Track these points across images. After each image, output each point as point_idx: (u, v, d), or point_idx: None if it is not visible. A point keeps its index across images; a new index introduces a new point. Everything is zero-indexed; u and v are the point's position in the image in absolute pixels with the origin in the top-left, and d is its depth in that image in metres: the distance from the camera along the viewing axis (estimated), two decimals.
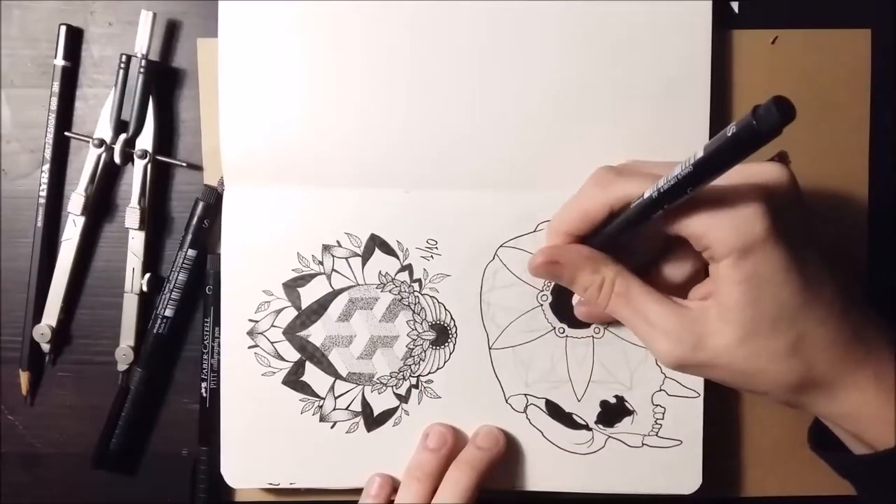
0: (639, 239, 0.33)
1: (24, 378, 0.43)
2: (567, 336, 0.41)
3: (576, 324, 0.40)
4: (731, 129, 0.26)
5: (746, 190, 0.30)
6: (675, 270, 0.36)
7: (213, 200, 0.41)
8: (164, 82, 0.42)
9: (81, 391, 0.44)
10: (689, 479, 0.40)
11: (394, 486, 0.40)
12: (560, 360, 0.41)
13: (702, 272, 0.33)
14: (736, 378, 0.33)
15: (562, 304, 0.40)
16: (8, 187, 0.43)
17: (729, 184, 0.30)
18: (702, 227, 0.31)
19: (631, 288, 0.34)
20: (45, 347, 0.43)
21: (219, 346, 0.41)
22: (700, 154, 0.28)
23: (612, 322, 0.39)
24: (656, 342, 0.33)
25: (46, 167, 0.42)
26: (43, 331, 0.42)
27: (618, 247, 0.34)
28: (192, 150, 0.43)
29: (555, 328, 0.41)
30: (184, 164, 0.42)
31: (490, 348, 0.41)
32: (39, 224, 0.42)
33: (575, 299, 0.39)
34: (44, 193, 0.42)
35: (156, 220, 0.43)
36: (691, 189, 0.29)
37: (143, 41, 0.41)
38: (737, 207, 0.30)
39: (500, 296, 0.40)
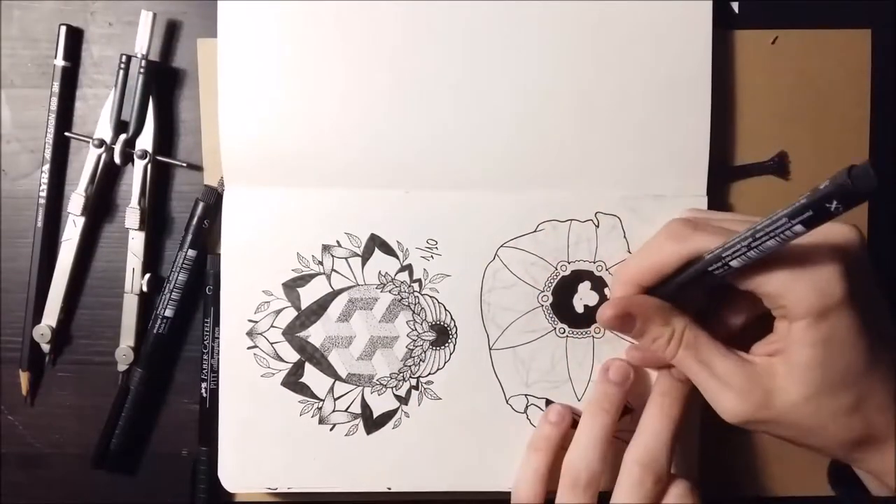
0: (705, 290, 0.33)
1: (24, 378, 0.43)
2: (567, 336, 0.41)
3: (576, 323, 0.40)
4: (822, 190, 0.26)
5: (823, 251, 0.30)
6: (733, 320, 0.36)
7: (213, 200, 0.41)
8: (164, 82, 0.42)
9: (81, 391, 0.44)
10: (686, 472, 0.40)
11: (574, 417, 0.40)
12: (560, 360, 0.41)
13: (762, 324, 0.33)
14: (797, 434, 0.33)
15: (562, 305, 0.40)
16: (8, 187, 0.43)
17: (805, 244, 0.30)
18: (780, 286, 0.31)
19: (699, 341, 0.34)
20: (46, 348, 0.43)
21: (219, 346, 0.41)
22: (784, 210, 0.28)
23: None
24: (722, 397, 0.33)
25: (46, 167, 0.42)
26: (43, 331, 0.42)
27: (683, 298, 0.34)
28: (192, 150, 0.43)
29: (555, 328, 0.41)
30: (184, 165, 0.42)
31: (490, 349, 0.41)
32: (39, 224, 0.42)
33: (576, 300, 0.39)
34: (44, 194, 0.42)
35: (156, 220, 0.43)
36: (767, 251, 0.28)
37: (143, 41, 0.41)
38: (815, 269, 0.30)
39: (501, 296, 0.40)
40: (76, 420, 0.44)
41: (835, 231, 0.31)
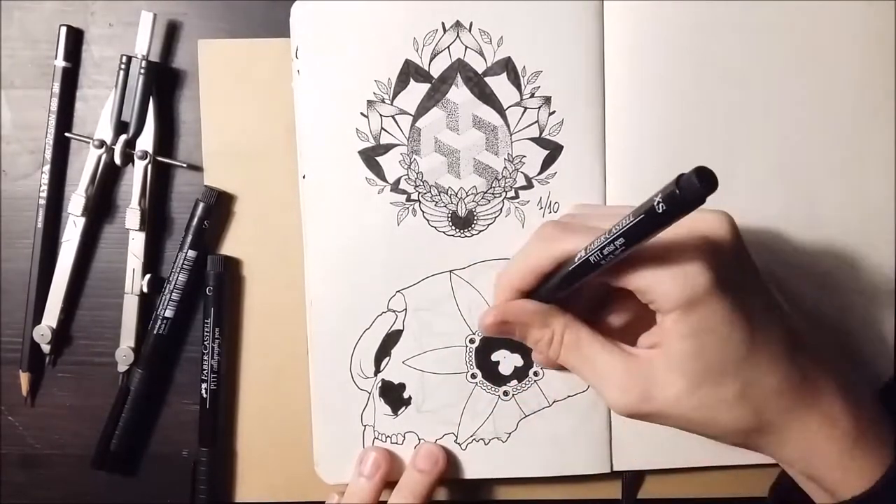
0: (587, 286, 0.33)
1: (24, 379, 0.43)
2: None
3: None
4: (656, 197, 0.26)
5: (689, 243, 0.30)
6: (623, 316, 0.36)
7: (213, 201, 0.41)
8: (164, 83, 0.42)
9: (81, 392, 0.44)
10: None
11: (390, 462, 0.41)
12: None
13: (650, 315, 0.33)
14: (685, 425, 0.33)
15: (486, 354, 0.41)
16: (8, 188, 0.43)
17: (671, 237, 0.30)
18: (645, 282, 0.31)
19: (580, 338, 0.34)
20: (46, 348, 0.43)
21: (219, 346, 0.41)
22: (629, 219, 0.28)
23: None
24: (606, 391, 0.33)
25: (47, 168, 0.42)
26: (43, 332, 0.42)
27: (567, 296, 0.34)
28: (193, 150, 0.43)
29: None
30: (184, 165, 0.42)
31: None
32: (40, 225, 0.42)
33: (499, 354, 0.40)
34: (44, 194, 0.42)
35: (156, 221, 0.43)
36: (623, 251, 0.29)
37: (143, 42, 0.41)
38: (680, 262, 0.30)
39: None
40: (76, 421, 0.44)
41: (703, 220, 0.31)
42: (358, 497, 0.40)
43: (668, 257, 0.30)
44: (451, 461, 0.41)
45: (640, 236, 0.28)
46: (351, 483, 0.41)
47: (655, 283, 0.31)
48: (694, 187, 0.25)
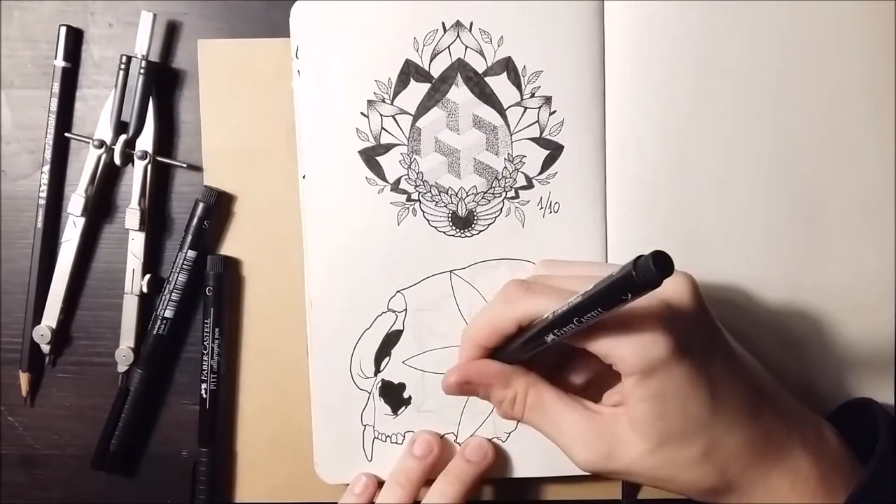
0: (550, 347, 0.33)
1: (23, 379, 0.43)
2: None
3: None
4: (615, 277, 0.27)
5: (649, 310, 0.31)
6: (588, 372, 0.36)
7: (213, 201, 0.41)
8: (164, 83, 0.42)
9: (81, 392, 0.44)
10: None
11: (378, 486, 0.41)
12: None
13: (615, 371, 0.33)
14: (651, 482, 0.33)
15: None
16: (8, 188, 0.43)
17: (633, 302, 0.30)
18: (605, 348, 0.31)
19: (544, 398, 0.34)
20: (45, 348, 0.43)
21: (219, 346, 0.41)
22: (589, 292, 0.28)
23: None
24: (571, 451, 0.34)
25: (46, 168, 0.42)
26: (43, 332, 0.42)
27: (531, 355, 0.34)
28: (192, 150, 0.43)
29: None
30: (184, 165, 0.42)
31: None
32: (39, 225, 0.42)
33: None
34: (44, 194, 0.42)
35: (156, 221, 0.43)
36: (580, 323, 0.29)
37: (143, 42, 0.41)
38: (639, 330, 0.31)
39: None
40: (76, 421, 0.44)
41: (664, 285, 0.31)
42: (405, 476, 0.40)
43: (628, 324, 0.31)
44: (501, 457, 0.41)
45: (598, 312, 0.28)
46: (400, 461, 0.40)
47: (615, 349, 0.31)
48: (650, 272, 0.25)
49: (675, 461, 0.32)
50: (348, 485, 0.41)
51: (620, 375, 0.32)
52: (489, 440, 0.41)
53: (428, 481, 0.40)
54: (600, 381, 0.36)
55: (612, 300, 0.28)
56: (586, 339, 0.32)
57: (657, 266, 0.25)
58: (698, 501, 0.34)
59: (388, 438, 0.41)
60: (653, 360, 0.31)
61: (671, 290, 0.32)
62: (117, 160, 0.41)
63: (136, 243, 0.42)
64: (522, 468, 0.42)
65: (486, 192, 0.40)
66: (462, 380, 0.35)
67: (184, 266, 0.42)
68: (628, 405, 0.32)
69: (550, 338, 0.31)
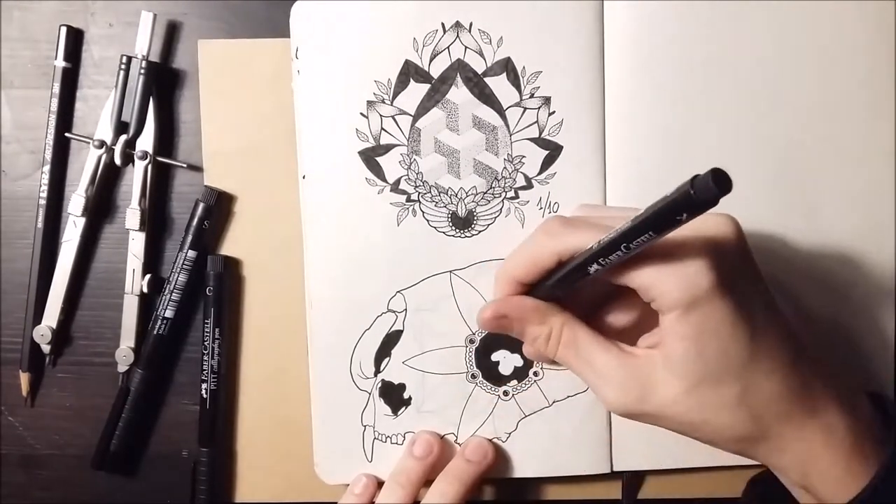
0: (588, 284, 0.33)
1: (24, 379, 0.43)
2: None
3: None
4: (671, 196, 0.26)
5: (693, 243, 0.30)
6: (624, 316, 0.36)
7: (213, 201, 0.41)
8: (164, 83, 0.42)
9: (81, 392, 0.44)
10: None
11: (378, 486, 0.41)
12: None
13: (652, 316, 0.33)
14: (682, 428, 0.33)
15: (486, 354, 0.41)
16: (8, 188, 0.43)
17: (676, 236, 0.30)
18: (648, 280, 0.31)
19: (578, 337, 0.34)
20: (46, 348, 0.43)
21: (219, 346, 0.41)
22: (640, 216, 0.28)
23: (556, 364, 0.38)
24: (603, 391, 0.33)
25: (47, 168, 0.42)
26: (43, 332, 0.42)
27: (567, 293, 0.34)
28: (193, 151, 0.43)
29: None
30: (184, 166, 0.42)
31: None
32: (40, 225, 0.42)
33: (499, 354, 0.41)
34: (44, 194, 0.42)
35: (156, 221, 0.43)
36: (628, 250, 0.29)
37: (143, 42, 0.41)
38: (683, 261, 0.30)
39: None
40: (76, 421, 0.44)
41: (708, 222, 0.31)
42: (405, 476, 0.40)
43: (671, 256, 0.30)
44: (502, 456, 0.41)
45: (649, 236, 0.28)
46: (400, 462, 0.41)
47: (657, 282, 0.30)
48: (709, 189, 0.24)
49: (709, 403, 0.31)
50: (348, 485, 0.41)
51: (657, 320, 0.32)
52: (489, 440, 0.41)
53: (428, 482, 0.40)
54: (633, 328, 0.35)
55: (666, 222, 0.27)
56: (628, 273, 0.31)
57: (717, 183, 0.24)
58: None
59: (388, 439, 0.41)
60: (696, 292, 0.30)
61: (715, 227, 0.31)
62: (118, 160, 0.41)
63: (137, 243, 0.42)
64: (522, 468, 0.42)
65: (485, 193, 0.40)
66: (498, 314, 0.35)
67: (184, 266, 0.42)
68: (665, 344, 0.31)
69: (595, 268, 0.30)
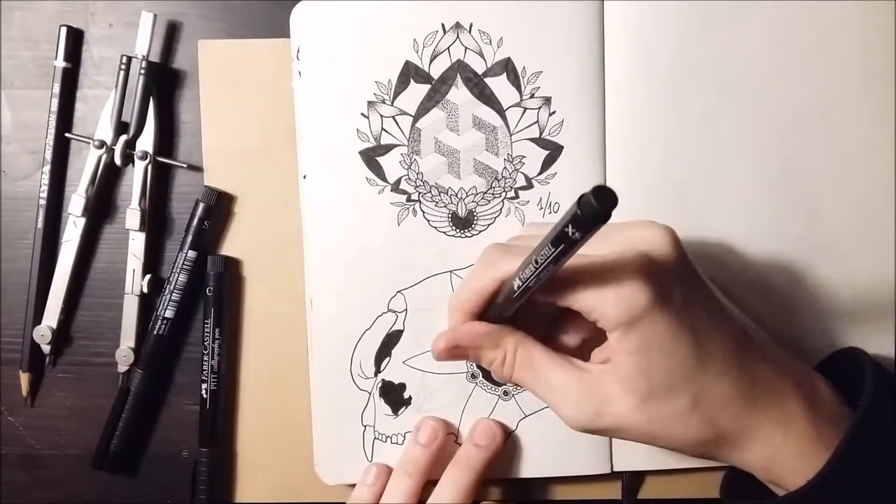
0: (537, 305, 0.33)
1: (24, 379, 0.43)
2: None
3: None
4: (565, 216, 0.26)
5: (628, 261, 0.30)
6: (578, 332, 0.36)
7: (213, 201, 0.41)
8: (164, 84, 0.42)
9: (81, 392, 0.44)
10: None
11: (388, 474, 0.41)
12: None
13: (602, 330, 0.33)
14: (643, 439, 0.33)
15: None
16: (8, 188, 0.43)
17: (610, 254, 0.30)
18: (588, 302, 0.31)
19: (533, 357, 0.34)
20: (46, 348, 0.43)
21: (219, 346, 0.41)
22: (547, 235, 0.28)
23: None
24: (561, 408, 0.33)
25: (47, 168, 0.42)
26: (43, 332, 0.42)
27: (519, 315, 0.34)
28: (193, 151, 0.43)
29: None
30: (184, 166, 0.42)
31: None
32: (40, 225, 0.42)
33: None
34: (44, 195, 0.42)
35: (156, 221, 0.43)
36: (536, 265, 0.29)
37: (143, 42, 0.41)
38: (619, 281, 0.30)
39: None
40: (76, 421, 0.44)
41: (644, 237, 0.31)
42: (413, 464, 0.40)
43: (608, 276, 0.31)
44: (510, 438, 0.41)
45: (557, 258, 0.28)
46: (406, 450, 0.41)
47: (597, 303, 0.31)
48: (592, 206, 0.25)
49: (663, 415, 0.32)
50: (348, 486, 0.41)
51: (606, 334, 0.32)
52: (497, 422, 0.41)
53: (431, 482, 0.40)
54: (586, 342, 0.36)
55: (565, 239, 0.27)
56: (570, 295, 0.31)
57: (599, 200, 0.25)
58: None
59: (389, 439, 0.41)
60: (634, 311, 0.30)
61: (651, 241, 0.31)
62: (118, 160, 0.41)
63: (137, 243, 0.42)
64: (522, 468, 0.42)
65: (485, 193, 0.40)
66: (451, 344, 0.35)
67: (184, 266, 0.42)
68: (614, 361, 0.32)
69: (517, 284, 0.31)
